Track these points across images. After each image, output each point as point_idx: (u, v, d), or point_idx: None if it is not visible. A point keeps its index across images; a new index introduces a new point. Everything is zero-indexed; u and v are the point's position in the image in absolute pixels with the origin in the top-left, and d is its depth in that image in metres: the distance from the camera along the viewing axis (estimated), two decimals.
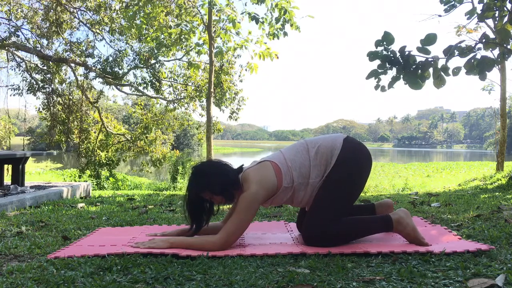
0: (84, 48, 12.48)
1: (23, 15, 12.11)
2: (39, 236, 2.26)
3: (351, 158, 2.04)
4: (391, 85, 3.20)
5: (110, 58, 12.45)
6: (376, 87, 3.26)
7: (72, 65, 12.50)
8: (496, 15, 3.24)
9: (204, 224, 2.12)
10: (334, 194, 2.00)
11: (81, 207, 3.58)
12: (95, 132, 13.71)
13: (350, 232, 1.99)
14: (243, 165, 2.16)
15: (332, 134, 2.18)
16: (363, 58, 3.53)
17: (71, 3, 11.76)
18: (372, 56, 3.11)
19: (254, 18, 8.57)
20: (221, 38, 10.95)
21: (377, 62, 3.15)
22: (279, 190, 2.02)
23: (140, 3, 9.29)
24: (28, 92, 12.84)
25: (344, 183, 2.02)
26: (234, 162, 2.23)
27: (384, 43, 3.06)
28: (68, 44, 12.42)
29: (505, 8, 3.14)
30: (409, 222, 1.97)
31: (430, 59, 2.99)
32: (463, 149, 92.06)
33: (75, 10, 12.18)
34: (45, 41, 12.51)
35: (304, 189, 2.04)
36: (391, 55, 3.08)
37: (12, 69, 12.75)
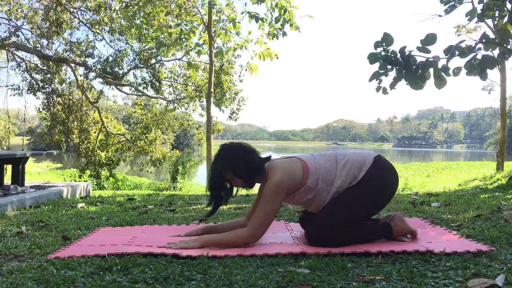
0: (84, 48, 12.48)
1: (23, 15, 12.11)
2: (39, 236, 2.26)
3: (378, 177, 2.03)
4: (393, 86, 3.20)
5: (110, 58, 12.45)
6: (378, 89, 3.25)
7: (72, 65, 12.50)
8: (496, 15, 3.24)
9: (222, 203, 2.13)
10: (352, 206, 1.99)
11: (81, 207, 3.58)
12: (95, 132, 13.70)
13: (355, 239, 1.99)
14: (271, 155, 2.16)
15: (363, 151, 2.17)
16: (363, 58, 3.54)
17: (71, 3, 11.76)
18: (372, 58, 3.11)
19: (254, 16, 8.58)
20: (221, 38, 10.95)
21: (378, 64, 3.15)
22: (302, 187, 2.02)
23: (140, 3, 9.29)
24: (28, 92, 12.84)
25: (366, 199, 2.01)
26: None
27: (384, 44, 3.06)
28: (68, 44, 12.42)
29: (505, 8, 3.14)
30: (405, 226, 2.04)
31: (430, 59, 2.98)
32: (463, 149, 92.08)
33: (75, 10, 12.17)
34: (45, 41, 12.51)
35: (325, 196, 2.04)
36: (392, 55, 3.08)
37: (12, 69, 12.76)
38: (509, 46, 2.99)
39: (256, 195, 2.21)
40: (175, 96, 14.49)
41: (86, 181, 11.44)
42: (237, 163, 2.04)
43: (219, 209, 2.19)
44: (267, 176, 2.03)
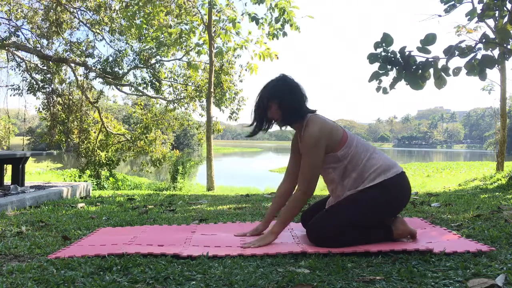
0: (84, 48, 12.48)
1: (23, 15, 12.12)
2: (39, 236, 2.26)
3: (394, 190, 2.02)
4: (392, 86, 3.20)
5: (110, 58, 12.46)
6: (378, 89, 3.25)
7: (72, 65, 12.50)
8: (496, 15, 3.24)
9: (262, 128, 2.15)
10: (360, 209, 1.98)
11: (81, 207, 3.58)
12: (95, 132, 13.70)
13: (355, 240, 1.98)
14: (317, 110, 2.14)
15: (393, 161, 2.13)
16: (363, 58, 3.54)
17: (71, 3, 11.76)
18: (372, 58, 3.11)
19: (254, 18, 8.57)
20: (221, 38, 10.95)
21: (378, 64, 3.14)
22: (332, 153, 2.03)
23: (140, 3, 9.29)
24: (28, 92, 12.85)
25: (373, 206, 1.99)
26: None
27: (384, 44, 3.06)
28: (68, 44, 12.42)
29: (505, 8, 3.14)
30: (406, 229, 2.03)
31: (430, 59, 2.98)
32: (463, 149, 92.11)
33: (75, 10, 12.17)
34: (45, 41, 12.52)
35: (342, 176, 2.05)
36: (391, 56, 3.08)
37: (12, 69, 12.79)
38: (509, 46, 2.99)
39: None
40: (175, 96, 14.49)
41: (86, 181, 11.44)
42: (286, 97, 2.05)
43: (258, 133, 2.20)
44: (304, 126, 2.04)
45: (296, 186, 2.11)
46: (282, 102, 2.05)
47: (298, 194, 2.03)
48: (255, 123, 2.14)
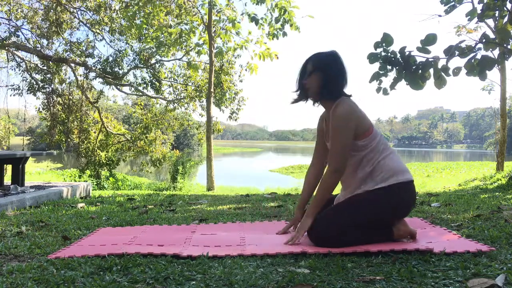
0: (84, 48, 12.48)
1: (23, 15, 12.12)
2: (39, 236, 2.26)
3: (403, 195, 2.01)
4: (393, 86, 3.20)
5: (110, 58, 12.46)
6: (378, 90, 3.25)
7: (72, 65, 12.50)
8: (496, 15, 3.24)
9: (303, 98, 2.16)
10: (366, 210, 1.97)
11: (81, 207, 3.58)
12: (95, 132, 13.70)
13: (356, 240, 1.98)
14: (351, 95, 2.14)
15: (407, 167, 2.12)
16: (363, 58, 3.53)
17: (71, 3, 11.76)
18: (372, 58, 3.11)
19: (254, 19, 8.58)
20: (221, 38, 10.95)
21: (378, 64, 3.14)
22: (355, 139, 2.02)
23: (140, 3, 9.29)
24: (28, 92, 12.85)
25: (381, 209, 1.98)
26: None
27: (384, 44, 3.06)
28: (68, 44, 12.42)
29: (505, 8, 3.14)
30: (407, 230, 2.03)
31: (430, 59, 2.98)
32: (463, 149, 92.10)
33: (75, 10, 12.18)
34: (45, 41, 12.52)
35: (356, 166, 2.05)
36: (391, 55, 3.08)
37: (12, 69, 12.79)
38: (509, 46, 2.99)
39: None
40: (175, 96, 14.49)
41: (86, 181, 11.44)
42: (331, 72, 2.07)
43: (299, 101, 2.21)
44: (335, 105, 2.03)
45: (326, 167, 2.11)
46: (326, 74, 2.06)
47: (330, 175, 2.02)
48: (298, 91, 2.17)
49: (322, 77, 2.06)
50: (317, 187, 2.10)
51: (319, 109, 2.21)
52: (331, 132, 2.04)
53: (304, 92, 2.14)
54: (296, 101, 2.20)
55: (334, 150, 2.01)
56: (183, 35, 10.21)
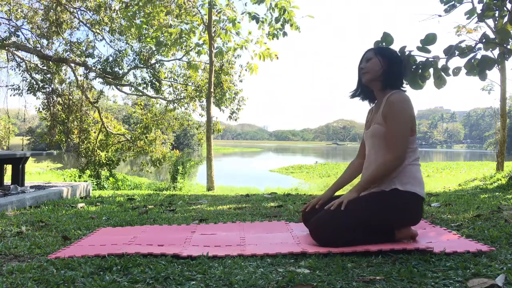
0: (84, 48, 12.48)
1: (23, 15, 12.12)
2: (39, 236, 2.26)
3: (413, 205, 2.00)
4: None
5: (110, 58, 12.46)
6: None
7: (72, 65, 12.51)
8: (496, 15, 3.24)
9: (357, 92, 2.22)
10: (373, 212, 1.96)
11: (81, 207, 3.58)
12: (95, 132, 13.71)
13: (356, 241, 1.97)
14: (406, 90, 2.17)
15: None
16: None
17: (71, 3, 11.76)
18: None
19: (255, 17, 8.57)
20: (221, 38, 10.95)
21: None
22: None
23: (140, 3, 9.29)
24: (28, 92, 12.85)
25: (388, 212, 1.97)
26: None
27: (384, 44, 3.05)
28: (68, 44, 12.42)
29: (505, 8, 3.14)
30: (407, 231, 2.02)
31: (430, 59, 2.98)
32: (463, 149, 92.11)
33: (75, 10, 12.18)
34: (45, 41, 12.52)
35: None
36: None
37: (12, 69, 12.82)
38: (509, 46, 2.99)
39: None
40: (175, 96, 14.50)
41: (86, 181, 11.44)
42: (395, 63, 2.10)
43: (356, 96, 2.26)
44: (390, 94, 2.03)
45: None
46: (390, 62, 2.08)
47: (390, 158, 1.95)
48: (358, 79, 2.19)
49: (384, 63, 2.07)
50: (373, 169, 2.03)
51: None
52: (389, 118, 1.99)
53: (361, 79, 2.15)
54: (353, 95, 2.24)
55: (395, 134, 1.97)
56: (183, 35, 10.21)
